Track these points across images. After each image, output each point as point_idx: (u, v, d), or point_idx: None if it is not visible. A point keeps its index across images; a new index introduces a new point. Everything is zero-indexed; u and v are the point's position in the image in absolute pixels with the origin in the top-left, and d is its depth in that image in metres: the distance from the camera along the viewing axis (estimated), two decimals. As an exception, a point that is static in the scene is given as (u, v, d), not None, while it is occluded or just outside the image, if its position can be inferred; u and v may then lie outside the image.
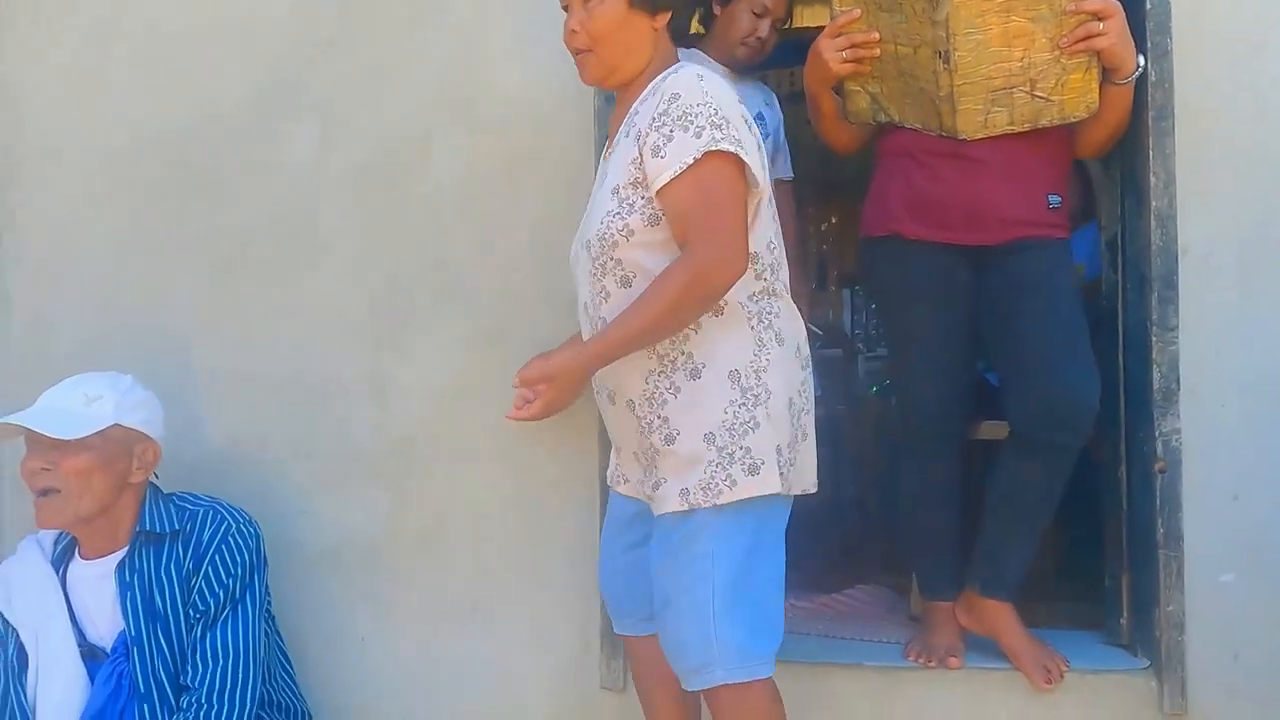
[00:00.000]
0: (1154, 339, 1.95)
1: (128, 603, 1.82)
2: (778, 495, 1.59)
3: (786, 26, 2.53)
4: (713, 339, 1.58)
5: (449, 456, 2.14)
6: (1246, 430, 1.93)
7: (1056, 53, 1.83)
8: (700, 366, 1.58)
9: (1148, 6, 1.94)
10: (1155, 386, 1.94)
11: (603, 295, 1.63)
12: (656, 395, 1.60)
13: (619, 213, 1.59)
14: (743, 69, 2.58)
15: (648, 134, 1.55)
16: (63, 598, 1.86)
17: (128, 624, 1.81)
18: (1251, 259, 1.94)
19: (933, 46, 1.84)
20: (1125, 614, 2.09)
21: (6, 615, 1.86)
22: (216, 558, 1.86)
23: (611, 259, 1.60)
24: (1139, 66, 1.87)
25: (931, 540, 2.11)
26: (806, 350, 1.70)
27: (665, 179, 1.53)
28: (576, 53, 1.69)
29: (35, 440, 1.79)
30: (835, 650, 2.13)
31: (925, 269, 2.02)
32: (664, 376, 1.59)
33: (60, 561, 1.90)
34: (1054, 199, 1.99)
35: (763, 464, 1.56)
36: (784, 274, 1.68)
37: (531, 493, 2.12)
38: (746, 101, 2.54)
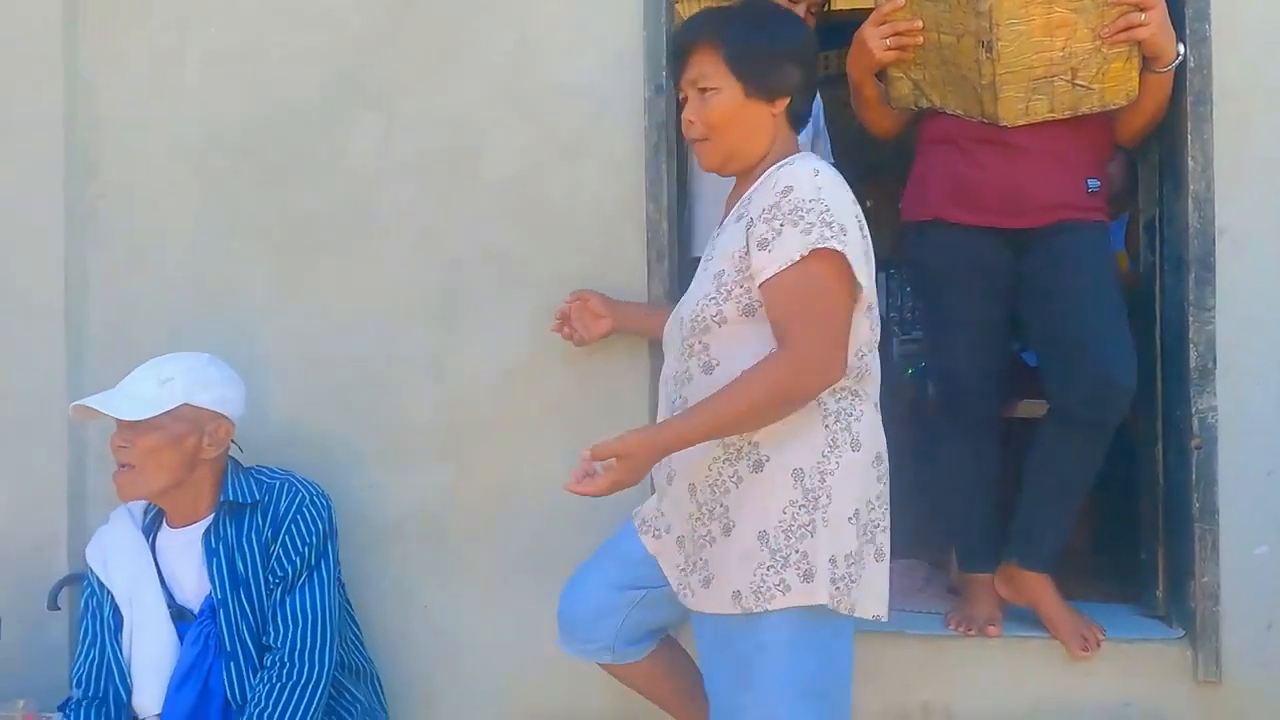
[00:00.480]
0: (1191, 319, 2.01)
1: (213, 568, 1.94)
2: (839, 612, 1.53)
3: (825, 10, 2.59)
4: (780, 431, 1.52)
5: (508, 432, 2.24)
6: (1280, 407, 1.99)
7: (1098, 42, 1.88)
8: (764, 459, 1.53)
9: (1187, -6, 1.99)
10: (1192, 365, 2.00)
11: (685, 376, 1.61)
12: (719, 483, 1.56)
13: (715, 298, 1.58)
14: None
15: (756, 224, 1.54)
16: (153, 563, 1.98)
17: (213, 587, 1.93)
18: (1288, 240, 1.99)
19: (976, 36, 1.90)
20: (1160, 586, 2.16)
21: (103, 579, 1.99)
22: (293, 527, 1.97)
23: (700, 343, 1.59)
24: (1179, 55, 1.92)
25: (970, 515, 2.19)
26: (886, 463, 1.64)
27: (770, 273, 1.51)
28: (693, 142, 1.69)
29: (117, 419, 1.92)
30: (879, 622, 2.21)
31: (966, 252, 2.08)
32: (728, 464, 1.55)
33: (150, 529, 2.03)
34: (1092, 183, 2.05)
35: (816, 572, 1.50)
36: (873, 384, 1.64)
37: (587, 464, 2.21)
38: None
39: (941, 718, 2.10)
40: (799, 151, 1.69)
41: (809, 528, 1.51)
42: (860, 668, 2.08)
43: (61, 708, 2.06)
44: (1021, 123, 1.97)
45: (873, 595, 1.58)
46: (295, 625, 1.91)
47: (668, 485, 1.68)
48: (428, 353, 2.27)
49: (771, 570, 1.51)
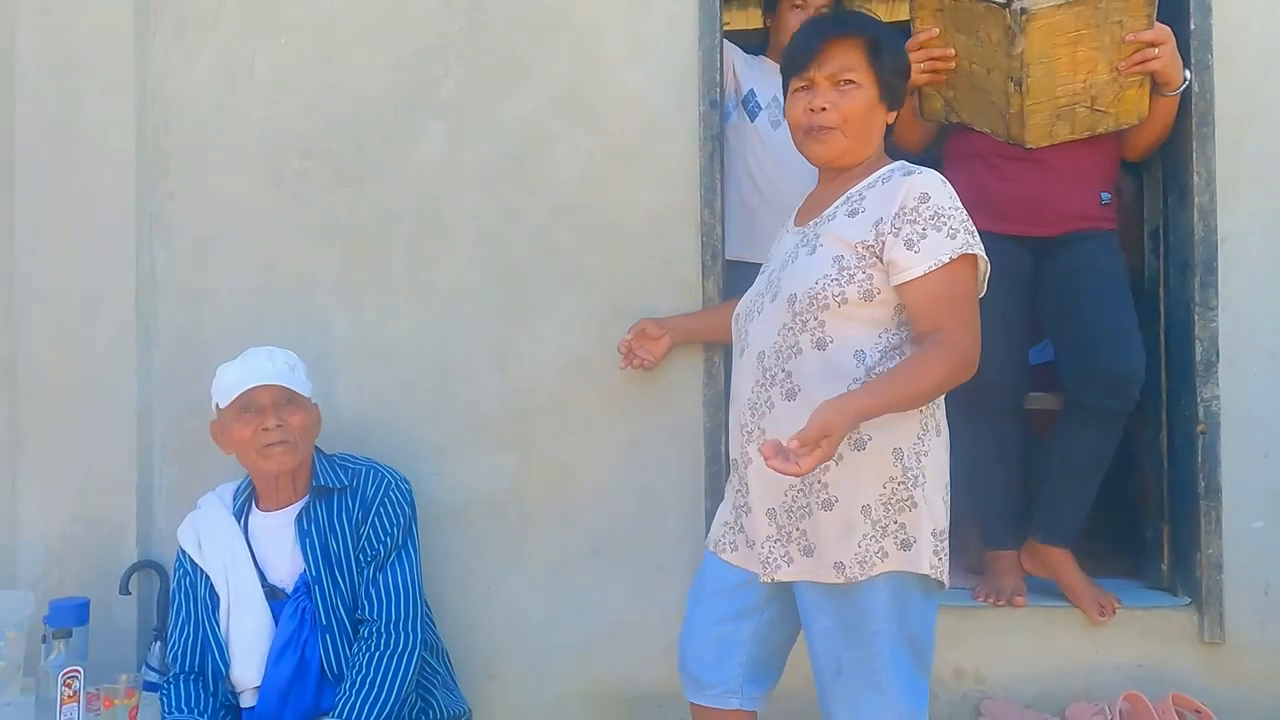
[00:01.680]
0: (1196, 317, 2.23)
1: (307, 547, 2.06)
2: (929, 579, 1.64)
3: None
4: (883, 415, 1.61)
5: (568, 421, 2.38)
6: (1275, 396, 2.23)
7: (1115, 73, 2.08)
8: (866, 439, 1.62)
9: (1192, 27, 2.22)
10: (1197, 359, 2.23)
11: (793, 350, 1.68)
12: None
13: (838, 279, 1.65)
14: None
15: (894, 224, 1.64)
16: (246, 545, 2.09)
17: (308, 565, 2.05)
18: (1281, 246, 2.23)
19: (1006, 72, 2.08)
20: (1165, 560, 2.38)
21: (197, 560, 2.09)
22: (382, 509, 2.10)
23: (816, 319, 1.66)
24: (1185, 80, 2.14)
25: (996, 497, 2.38)
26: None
27: (918, 272, 1.62)
28: (820, 129, 1.73)
29: (264, 400, 2.04)
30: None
31: (991, 257, 2.27)
32: None
33: (240, 514, 2.13)
34: (1105, 196, 2.28)
35: (915, 541, 1.61)
36: None
37: (643, 452, 2.36)
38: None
39: (973, 681, 2.29)
40: (886, 161, 1.79)
41: (909, 502, 1.62)
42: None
43: (152, 689, 2.16)
44: (1045, 144, 2.17)
45: (946, 567, 1.71)
46: (389, 599, 2.04)
47: (748, 463, 1.75)
48: (492, 347, 2.41)
49: (873, 540, 1.61)
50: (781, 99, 2.79)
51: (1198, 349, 2.23)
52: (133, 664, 2.41)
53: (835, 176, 1.79)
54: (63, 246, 2.44)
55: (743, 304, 1.86)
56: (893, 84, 1.76)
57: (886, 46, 1.75)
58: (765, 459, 1.50)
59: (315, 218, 2.45)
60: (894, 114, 1.79)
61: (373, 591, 2.04)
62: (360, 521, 2.08)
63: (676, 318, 2.29)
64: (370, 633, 2.01)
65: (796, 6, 2.70)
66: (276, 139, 2.46)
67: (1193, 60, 2.21)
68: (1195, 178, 2.23)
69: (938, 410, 1.71)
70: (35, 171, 2.44)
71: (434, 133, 2.42)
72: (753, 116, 2.70)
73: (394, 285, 2.43)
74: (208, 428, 2.16)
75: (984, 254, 1.69)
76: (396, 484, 2.13)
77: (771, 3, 2.82)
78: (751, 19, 3.28)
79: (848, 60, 1.72)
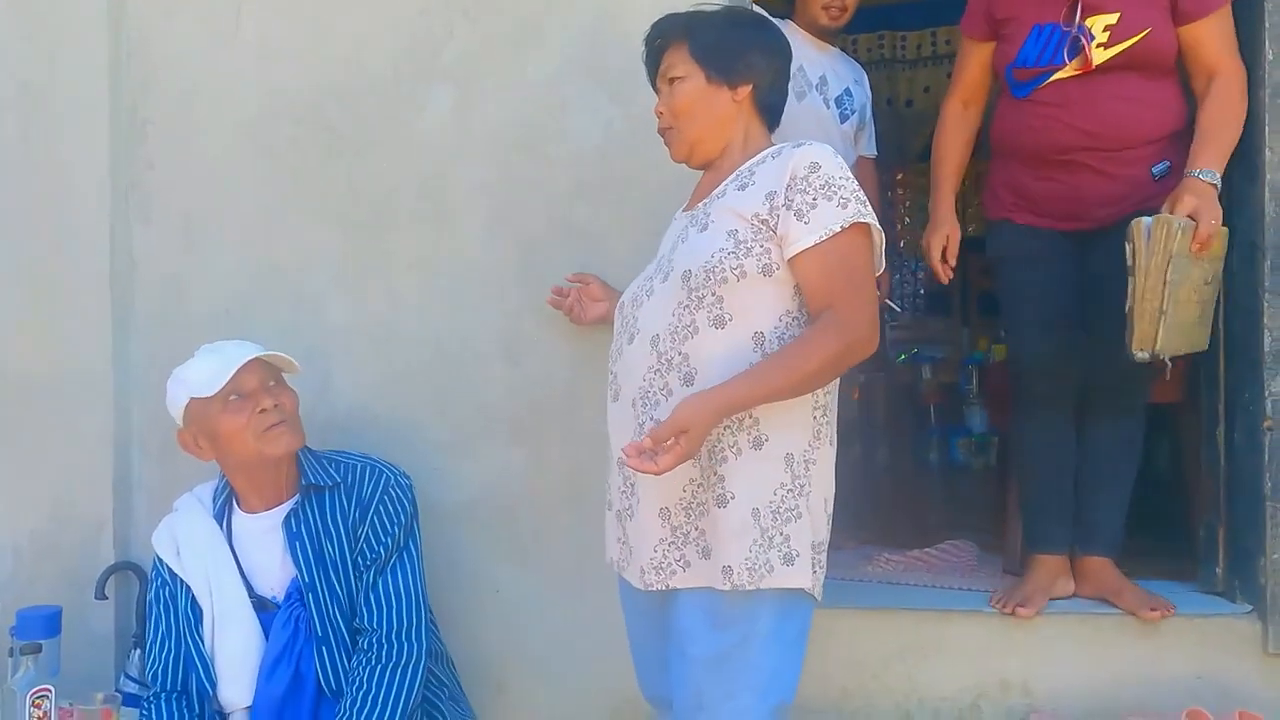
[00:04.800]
0: (1265, 304, 2.07)
1: (298, 550, 1.88)
2: (806, 594, 1.58)
3: None
4: (778, 414, 1.55)
5: (582, 416, 2.20)
6: (1350, 390, 2.07)
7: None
8: (764, 438, 1.56)
9: (1268, -9, 2.05)
10: (1265, 349, 2.07)
11: (689, 329, 1.59)
12: (717, 450, 1.56)
13: (734, 253, 1.57)
14: (829, 33, 2.67)
15: (787, 195, 1.56)
16: (230, 551, 1.91)
17: (300, 571, 1.87)
18: (1357, 228, 2.07)
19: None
20: (1220, 563, 2.23)
21: (175, 570, 1.90)
22: (381, 509, 1.92)
23: (713, 295, 1.58)
24: (1215, 185, 1.97)
25: (1042, 495, 2.24)
26: None
27: (808, 243, 1.54)
28: (663, 132, 1.74)
29: (252, 383, 1.88)
30: (953, 599, 2.24)
31: (1030, 245, 2.20)
32: (729, 433, 1.56)
33: (220, 517, 1.95)
34: (1158, 169, 2.10)
35: (797, 556, 1.56)
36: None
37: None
38: (836, 76, 2.66)
39: (1019, 694, 2.14)
40: (772, 144, 1.70)
41: (794, 512, 1.56)
42: (937, 645, 2.15)
43: (131, 702, 1.98)
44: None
45: (821, 581, 1.63)
46: (390, 606, 1.87)
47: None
48: (502, 334, 2.23)
49: (761, 549, 1.54)
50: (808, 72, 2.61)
51: (1266, 339, 2.07)
52: (110, 674, 2.24)
53: (716, 166, 1.72)
54: (30, 220, 2.24)
55: (628, 293, 1.74)
56: (720, 59, 1.67)
57: (701, 29, 1.69)
58: (626, 458, 1.48)
59: (308, 190, 2.26)
60: (743, 89, 1.68)
61: (372, 598, 1.88)
62: (357, 522, 1.91)
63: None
64: (370, 644, 1.84)
65: None
66: (267, 102, 2.26)
67: (1267, 24, 2.05)
68: (1268, 153, 2.06)
69: (832, 417, 1.65)
70: (3, 138, 2.24)
71: (438, 99, 2.22)
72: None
73: (396, 266, 2.24)
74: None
75: (877, 224, 1.61)
76: (396, 480, 1.96)
77: None
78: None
79: (670, 59, 1.71)
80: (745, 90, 1.69)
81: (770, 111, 1.73)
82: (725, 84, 1.68)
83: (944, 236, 2.25)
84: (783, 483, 1.56)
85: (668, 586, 1.61)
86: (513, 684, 2.22)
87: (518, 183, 2.22)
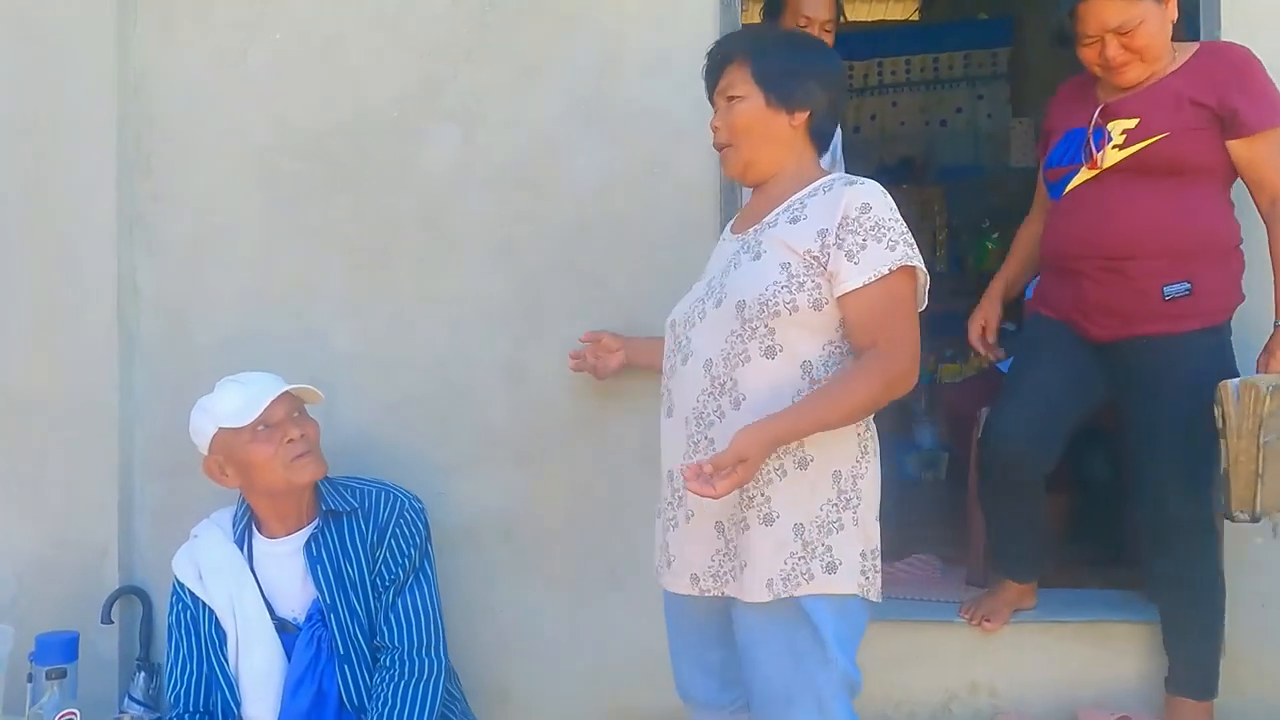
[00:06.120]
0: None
1: (319, 573, 1.95)
2: (858, 599, 1.65)
3: (842, 22, 2.67)
4: (823, 435, 1.62)
5: (583, 438, 2.31)
6: None
7: None
8: (809, 459, 1.63)
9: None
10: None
11: (741, 357, 1.65)
12: (763, 473, 1.62)
13: (788, 286, 1.63)
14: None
15: (838, 235, 1.62)
16: (251, 574, 1.97)
17: (321, 593, 1.94)
18: None
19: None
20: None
21: (199, 594, 1.96)
22: (398, 531, 2.00)
23: (766, 326, 1.63)
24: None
25: (1012, 540, 2.31)
26: None
27: (857, 283, 1.60)
28: (719, 148, 1.77)
29: (279, 413, 1.95)
30: (926, 610, 2.40)
31: (1047, 330, 2.23)
32: (775, 457, 1.62)
33: (240, 541, 2.01)
34: (1171, 289, 2.02)
35: (840, 564, 1.63)
36: None
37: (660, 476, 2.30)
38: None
39: (987, 695, 2.30)
40: (820, 171, 1.76)
41: (837, 524, 1.64)
42: (917, 651, 2.30)
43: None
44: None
45: (878, 584, 1.72)
46: (409, 624, 1.96)
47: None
48: (504, 361, 2.32)
49: (801, 560, 1.62)
50: None
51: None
52: (114, 697, 2.27)
53: (766, 188, 1.76)
54: (39, 250, 2.27)
55: (679, 312, 1.80)
56: (782, 85, 1.71)
57: (766, 52, 1.74)
58: (686, 481, 1.54)
59: (313, 222, 2.33)
60: (800, 115, 1.72)
61: (391, 617, 1.96)
62: (375, 545, 1.99)
63: (635, 338, 2.20)
64: (392, 661, 1.93)
65: (801, 26, 2.68)
66: (272, 138, 2.33)
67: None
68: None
69: (873, 431, 1.73)
70: (9, 169, 2.27)
71: (442, 137, 2.32)
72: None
73: (400, 294, 2.33)
74: (193, 445, 2.01)
75: (923, 267, 1.68)
76: (410, 504, 2.04)
77: (775, 10, 2.79)
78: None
79: (731, 77, 1.74)
80: (802, 116, 1.72)
81: (822, 138, 1.78)
82: (784, 109, 1.71)
83: (983, 317, 2.33)
84: (829, 499, 1.63)
85: (723, 594, 1.68)
86: (516, 699, 2.31)
87: (520, 218, 2.32)
